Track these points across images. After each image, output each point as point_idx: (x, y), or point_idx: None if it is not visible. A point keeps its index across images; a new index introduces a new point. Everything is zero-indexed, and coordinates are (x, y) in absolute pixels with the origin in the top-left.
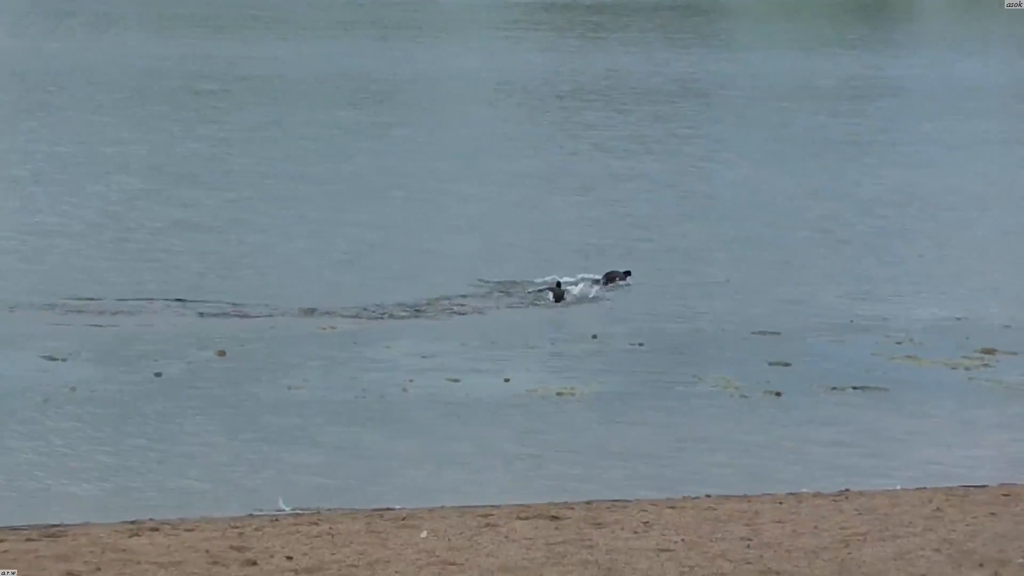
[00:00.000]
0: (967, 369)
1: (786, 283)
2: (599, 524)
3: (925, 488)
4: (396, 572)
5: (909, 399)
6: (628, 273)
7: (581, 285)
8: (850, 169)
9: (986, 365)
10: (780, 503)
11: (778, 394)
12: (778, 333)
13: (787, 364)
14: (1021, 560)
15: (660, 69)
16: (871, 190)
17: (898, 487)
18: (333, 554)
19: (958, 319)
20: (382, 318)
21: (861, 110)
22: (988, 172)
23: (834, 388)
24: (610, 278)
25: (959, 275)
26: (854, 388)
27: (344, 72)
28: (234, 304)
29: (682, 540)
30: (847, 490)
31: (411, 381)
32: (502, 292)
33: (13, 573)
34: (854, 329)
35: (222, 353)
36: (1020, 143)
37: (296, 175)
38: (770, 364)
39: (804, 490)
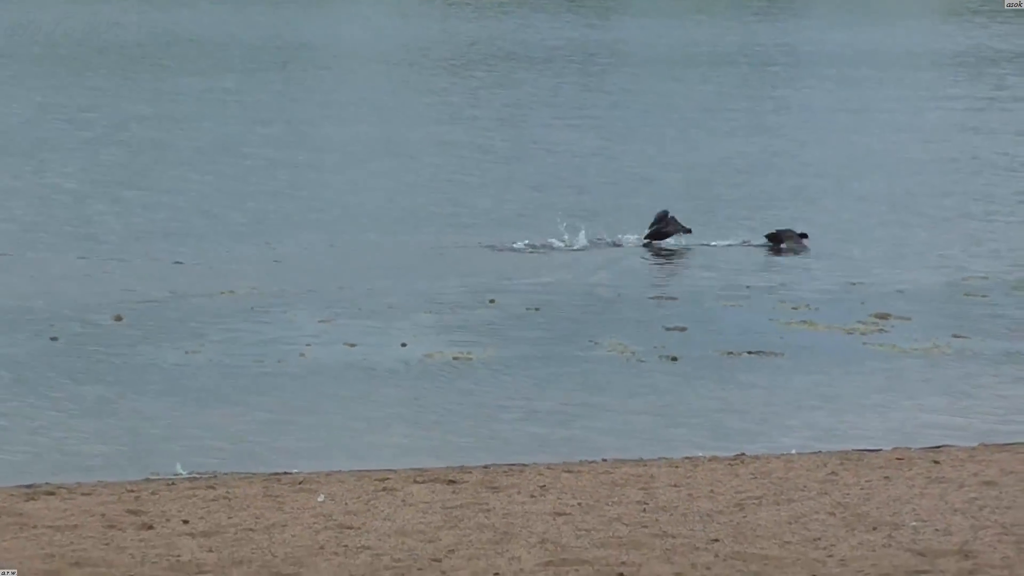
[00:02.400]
0: (862, 334)
1: (681, 249)
2: (496, 488)
3: (820, 452)
4: (293, 536)
5: (804, 364)
6: (805, 236)
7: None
8: (734, 135)
9: (881, 330)
10: (676, 467)
11: (674, 359)
12: (675, 298)
13: (683, 329)
14: (914, 523)
15: (546, 37)
16: (761, 155)
17: (793, 451)
18: (230, 518)
19: (853, 284)
20: (281, 284)
21: (752, 76)
22: (875, 138)
23: (730, 353)
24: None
25: (854, 241)
26: (749, 353)
27: (237, 38)
28: (131, 269)
29: (578, 504)
30: (742, 454)
31: (309, 346)
32: (402, 257)
33: (13, 573)
34: (750, 295)
35: (119, 318)
36: (904, 110)
37: (194, 140)
38: (666, 329)
39: (700, 454)
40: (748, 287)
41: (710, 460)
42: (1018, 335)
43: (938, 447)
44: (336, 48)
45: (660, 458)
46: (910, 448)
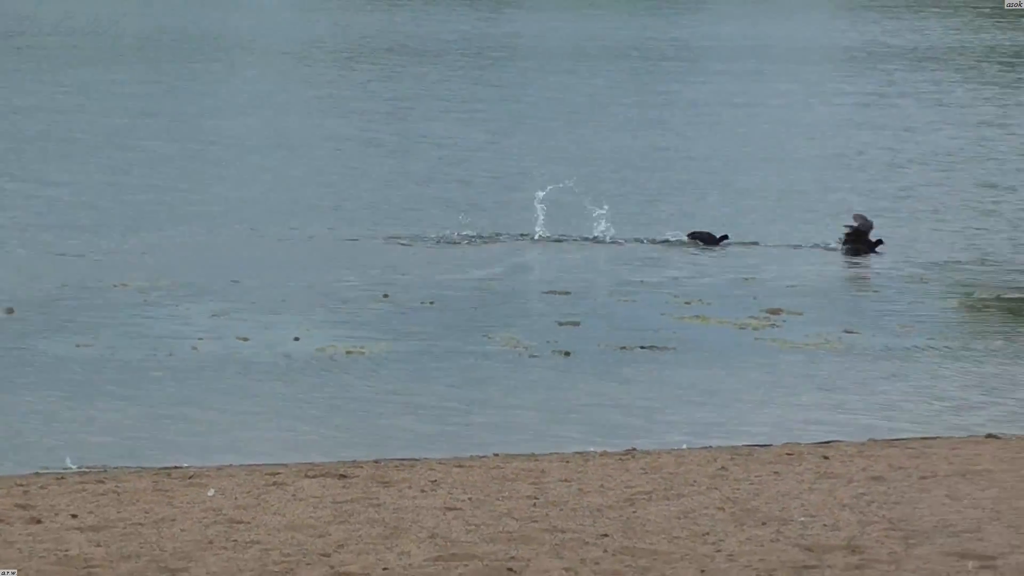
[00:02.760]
0: (754, 329)
1: (577, 243)
2: (387, 483)
3: (710, 447)
4: (182, 530)
5: (696, 359)
6: (725, 237)
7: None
8: (623, 130)
9: (772, 325)
10: (567, 462)
11: (567, 353)
12: (568, 293)
13: (576, 324)
14: (803, 518)
15: (439, 30)
16: (649, 150)
17: (684, 446)
18: (119, 512)
19: (745, 280)
20: (173, 277)
21: (643, 71)
22: (763, 133)
23: (622, 348)
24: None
25: (744, 236)
26: (642, 348)
27: (127, 28)
28: (20, 262)
29: (469, 499)
30: (633, 449)
31: (201, 340)
32: (293, 251)
33: (13, 573)
34: (643, 289)
35: (10, 311)
36: (792, 104)
37: (79, 132)
38: (559, 324)
39: (591, 449)
40: (641, 282)
41: (601, 455)
42: (908, 330)
43: (827, 442)
44: (228, 40)
45: (551, 453)
46: (799, 443)
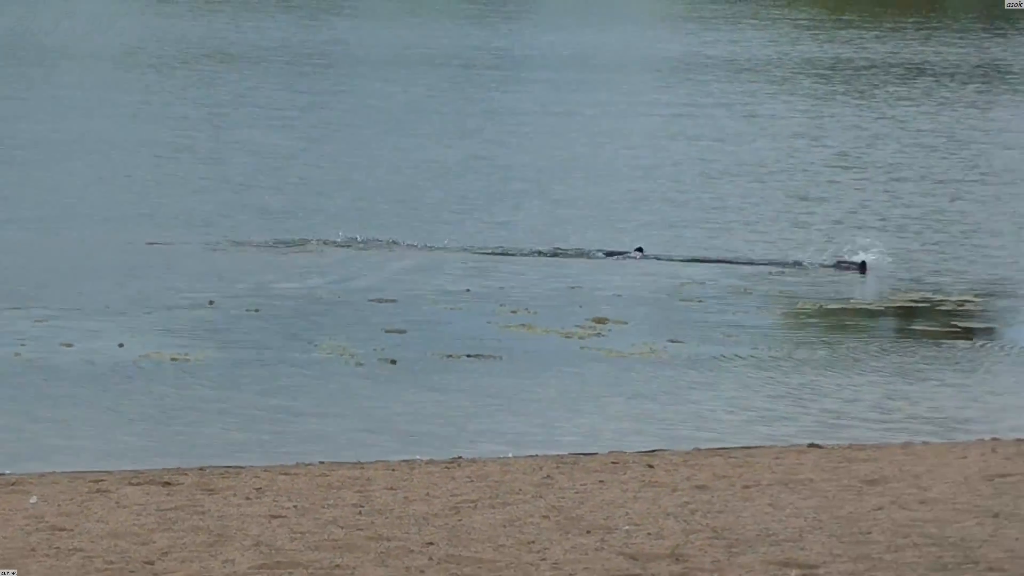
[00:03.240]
0: (580, 338)
1: (404, 251)
2: (211, 490)
3: (536, 456)
4: (4, 538)
5: (522, 367)
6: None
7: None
8: (439, 138)
9: (598, 334)
10: (393, 470)
11: (393, 362)
12: (394, 300)
13: (403, 332)
14: (627, 527)
15: (258, 36)
16: (464, 158)
17: (509, 455)
18: None
19: (571, 289)
20: None
21: (462, 79)
22: (579, 143)
23: (449, 356)
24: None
25: (568, 246)
26: (468, 356)
27: None
28: None
29: (294, 506)
30: (459, 457)
31: (24, 346)
32: (113, 257)
33: (13, 573)
34: (470, 298)
35: None
36: (610, 114)
37: None
38: (386, 332)
39: (417, 457)
40: (468, 290)
41: (427, 463)
42: (733, 339)
43: (653, 451)
44: (44, 43)
45: (377, 461)
46: (625, 452)
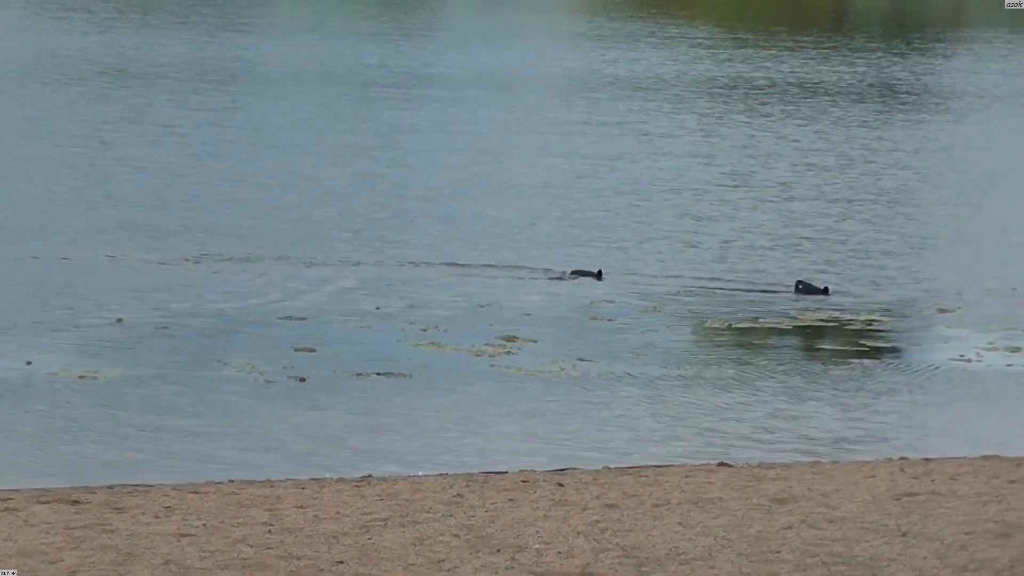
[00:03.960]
0: (490, 356)
1: (309, 269)
2: (120, 509)
3: (446, 474)
4: None
5: (432, 385)
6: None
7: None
8: (331, 156)
9: (508, 352)
10: (303, 488)
11: (303, 380)
12: (304, 318)
13: (312, 350)
14: (537, 546)
15: (154, 53)
16: (355, 176)
17: (420, 472)
18: None
19: (482, 307)
20: None
21: (358, 97)
22: (471, 161)
23: (359, 374)
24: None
25: (482, 262)
26: (378, 374)
27: None
28: None
29: (203, 525)
30: (370, 476)
31: None
32: (20, 273)
33: (13, 573)
34: (380, 316)
35: None
36: (502, 132)
37: None
38: (296, 350)
39: (327, 475)
40: (378, 308)
41: (337, 481)
42: (642, 358)
43: (563, 470)
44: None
45: (287, 479)
46: (535, 471)
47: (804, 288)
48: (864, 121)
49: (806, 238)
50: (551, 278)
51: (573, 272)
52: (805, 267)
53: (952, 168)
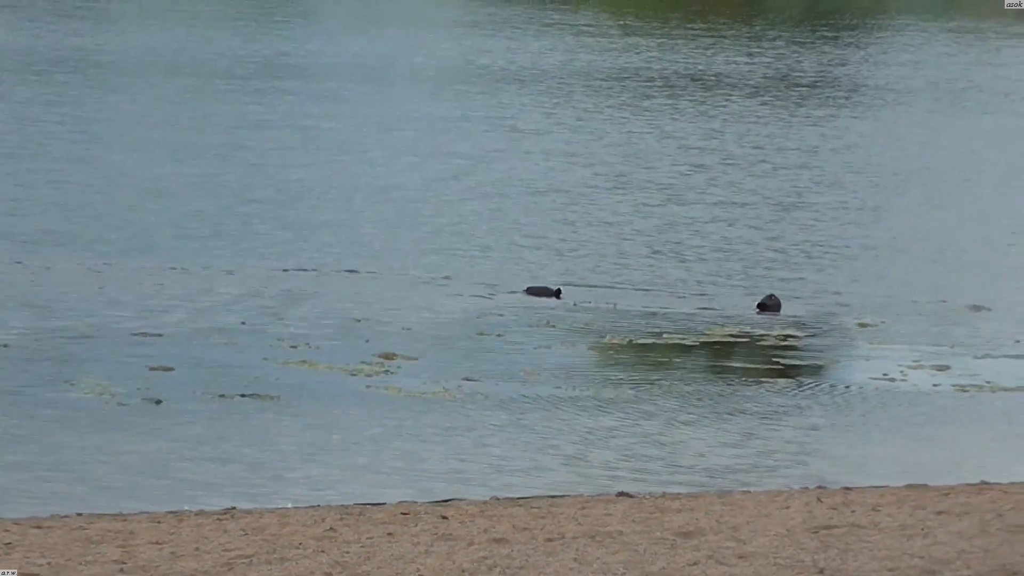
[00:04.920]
0: (367, 376)
1: (157, 280)
2: None
3: (318, 506)
4: None
5: (303, 408)
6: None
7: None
8: (175, 154)
9: (386, 371)
10: (159, 522)
11: (159, 402)
12: (160, 335)
13: (170, 369)
14: None
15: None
16: (206, 176)
17: (288, 504)
18: None
19: (357, 321)
20: None
21: (208, 89)
22: (315, 160)
23: (221, 396)
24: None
25: (356, 273)
26: (243, 396)
27: None
28: None
29: (48, 564)
30: (233, 508)
31: None
32: None
33: (13, 573)
34: (245, 331)
35: None
36: (351, 129)
37: None
38: (151, 369)
39: (185, 508)
40: (243, 323)
41: (197, 515)
42: (534, 378)
43: (447, 501)
44: None
45: (140, 512)
46: (416, 502)
47: (534, 291)
48: (759, 117)
49: (694, 247)
50: (427, 286)
51: (527, 289)
52: (687, 277)
53: (857, 168)
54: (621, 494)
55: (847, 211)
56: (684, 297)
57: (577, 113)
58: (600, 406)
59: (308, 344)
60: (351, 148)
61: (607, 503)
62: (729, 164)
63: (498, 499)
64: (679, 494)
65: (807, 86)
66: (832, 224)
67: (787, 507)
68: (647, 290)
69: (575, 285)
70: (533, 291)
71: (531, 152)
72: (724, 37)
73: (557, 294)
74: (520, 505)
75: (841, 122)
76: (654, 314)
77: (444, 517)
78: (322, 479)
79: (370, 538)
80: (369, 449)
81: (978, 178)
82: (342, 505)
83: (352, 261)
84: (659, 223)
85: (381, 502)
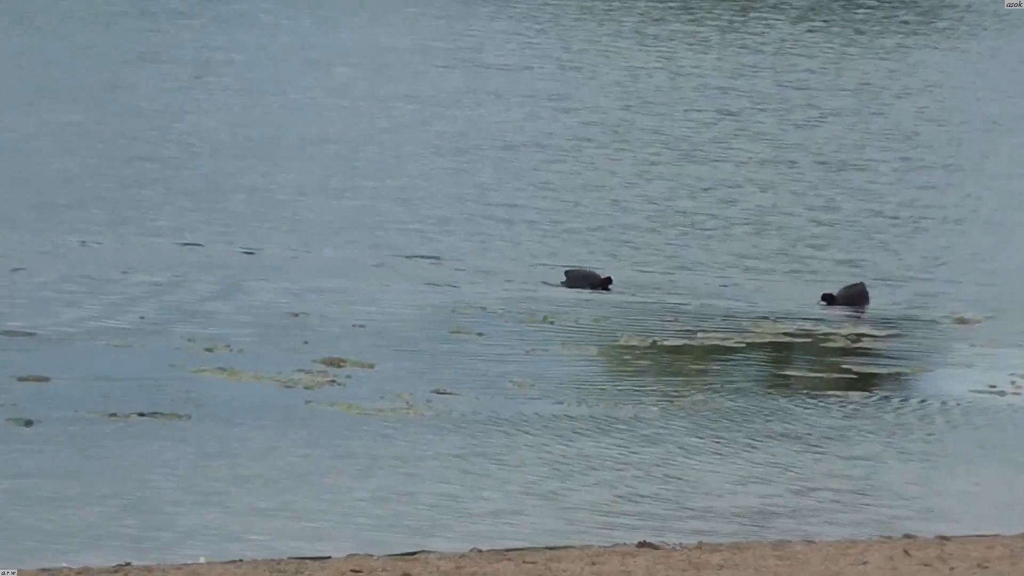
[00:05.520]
0: (307, 388)
1: (33, 264)
2: None
3: (240, 561)
4: None
5: (220, 432)
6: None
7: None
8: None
9: (333, 382)
10: None
11: (28, 423)
12: (33, 333)
13: (44, 379)
14: None
15: None
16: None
17: (201, 559)
18: None
19: (294, 316)
20: None
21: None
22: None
23: (112, 415)
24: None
25: (285, 253)
26: (141, 415)
27: None
28: None
29: None
30: (128, 564)
31: None
32: None
33: (13, 573)
34: (146, 330)
35: None
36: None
37: None
38: (20, 379)
39: (64, 566)
40: (142, 318)
41: (79, 573)
42: (527, 391)
43: (412, 554)
44: None
45: (9, 571)
46: (372, 555)
47: (574, 278)
48: (805, 47)
49: (721, 219)
50: (381, 270)
51: (566, 275)
52: (706, 260)
53: (934, 115)
54: (643, 544)
55: (921, 172)
56: (727, 286)
57: (564, 43)
58: (610, 427)
59: (228, 347)
60: (268, 89)
61: (624, 556)
62: (763, 110)
63: (479, 551)
64: (719, 545)
65: (870, 6)
66: (900, 189)
67: (864, 563)
68: (667, 274)
69: (566, 266)
70: (573, 278)
71: (504, 95)
72: None
73: (606, 284)
74: (509, 559)
75: (914, 54)
76: (683, 307)
77: (407, 574)
78: (247, 527)
79: None
80: (308, 487)
81: None
82: (272, 560)
83: (277, 237)
84: (670, 187)
85: (325, 556)
